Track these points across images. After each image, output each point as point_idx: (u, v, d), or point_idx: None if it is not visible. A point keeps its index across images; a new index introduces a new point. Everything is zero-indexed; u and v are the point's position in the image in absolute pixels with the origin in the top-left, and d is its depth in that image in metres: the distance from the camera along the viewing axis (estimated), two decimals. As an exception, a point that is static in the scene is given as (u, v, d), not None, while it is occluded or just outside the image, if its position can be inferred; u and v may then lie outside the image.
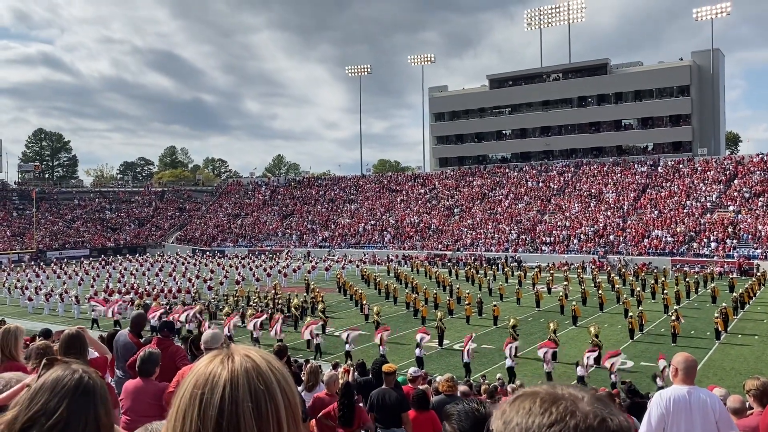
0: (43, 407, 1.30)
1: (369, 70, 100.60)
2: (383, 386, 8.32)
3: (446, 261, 61.97)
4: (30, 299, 42.75)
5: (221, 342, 5.47)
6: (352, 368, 14.46)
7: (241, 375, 1.09)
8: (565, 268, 52.69)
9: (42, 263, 68.78)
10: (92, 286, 46.49)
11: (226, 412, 1.06)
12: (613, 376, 20.42)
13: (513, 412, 1.06)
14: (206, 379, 1.10)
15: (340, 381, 9.06)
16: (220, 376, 1.10)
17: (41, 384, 1.36)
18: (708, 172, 67.69)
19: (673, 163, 71.92)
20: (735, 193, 62.60)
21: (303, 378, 9.62)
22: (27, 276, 55.65)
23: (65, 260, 72.67)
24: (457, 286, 42.01)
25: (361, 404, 8.42)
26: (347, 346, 26.22)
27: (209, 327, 27.74)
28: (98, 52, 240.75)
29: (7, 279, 54.47)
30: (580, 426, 0.99)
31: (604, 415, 1.01)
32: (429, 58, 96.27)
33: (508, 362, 22.83)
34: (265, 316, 31.20)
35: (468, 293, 37.37)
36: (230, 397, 1.07)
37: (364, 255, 67.22)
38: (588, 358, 21.88)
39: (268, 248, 77.89)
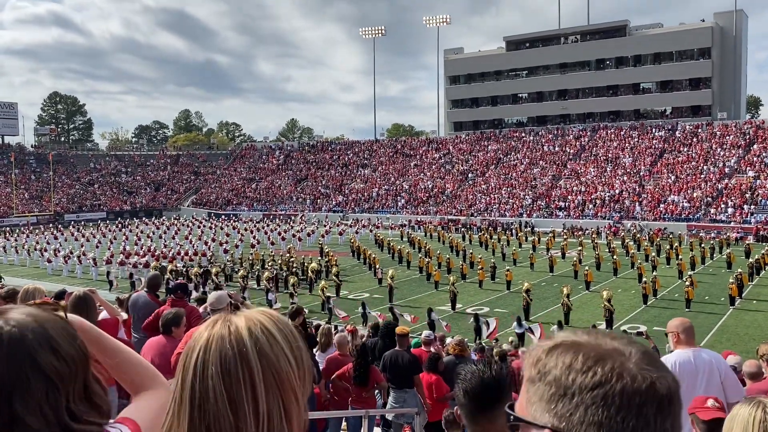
0: None
1: (384, 31, 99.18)
2: (396, 348, 8.40)
3: (460, 226, 61.94)
4: (49, 261, 43.48)
5: (227, 303, 5.55)
6: (368, 332, 14.62)
7: (216, 339, 1.08)
8: (580, 233, 52.53)
9: (60, 226, 69.68)
10: (109, 249, 47.11)
11: (199, 376, 1.07)
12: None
13: (551, 364, 0.94)
14: (192, 343, 1.11)
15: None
16: (200, 339, 1.10)
17: None
18: (727, 137, 66.60)
19: (691, 127, 70.79)
20: (754, 158, 61.67)
21: (318, 340, 9.74)
22: (45, 238, 56.48)
23: (83, 223, 73.55)
24: (471, 251, 42.05)
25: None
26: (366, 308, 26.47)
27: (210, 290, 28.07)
28: (109, 11, 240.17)
29: (26, 241, 55.32)
30: (627, 390, 0.87)
31: (653, 378, 0.89)
32: (445, 19, 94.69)
33: (520, 329, 22.98)
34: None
35: (481, 258, 37.43)
36: (202, 361, 1.07)
37: (378, 219, 67.45)
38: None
39: (283, 212, 78.25)
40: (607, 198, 62.27)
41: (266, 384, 1.07)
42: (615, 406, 0.86)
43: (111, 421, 1.36)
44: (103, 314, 7.25)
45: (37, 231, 65.60)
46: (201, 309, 7.71)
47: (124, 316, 6.96)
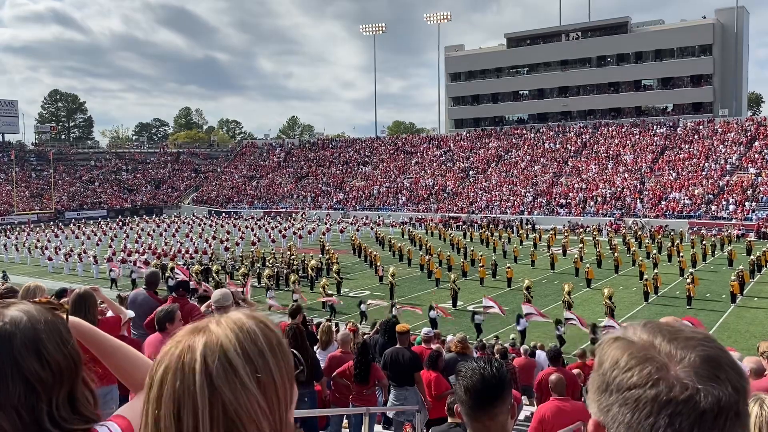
0: None
1: (384, 29, 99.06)
2: (397, 345, 8.39)
3: (461, 223, 61.93)
4: (50, 259, 43.49)
5: (231, 300, 5.53)
6: (379, 327, 14.62)
7: (171, 372, 0.99)
8: (581, 230, 52.49)
9: (60, 224, 69.72)
10: (110, 247, 47.11)
11: (153, 413, 1.01)
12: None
13: (607, 355, 0.93)
14: (152, 372, 1.03)
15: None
16: (159, 369, 1.02)
17: None
18: (728, 134, 66.50)
19: (692, 124, 70.69)
20: (755, 155, 61.58)
21: (318, 337, 9.74)
22: (46, 236, 56.51)
23: (83, 221, 73.57)
24: (472, 248, 42.03)
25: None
26: (362, 306, 26.57)
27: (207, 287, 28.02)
28: (108, 9, 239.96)
29: (27, 239, 55.35)
30: (660, 397, 0.84)
31: (697, 388, 0.84)
32: (446, 17, 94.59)
33: (520, 326, 22.98)
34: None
35: (482, 255, 37.39)
36: (156, 398, 1.00)
37: (379, 217, 67.44)
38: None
39: (283, 210, 78.24)
40: (608, 195, 62.22)
41: (211, 424, 0.96)
42: (645, 411, 0.84)
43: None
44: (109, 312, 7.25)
45: (37, 229, 65.65)
46: (203, 307, 7.71)
47: (131, 314, 6.95)
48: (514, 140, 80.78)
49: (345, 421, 8.48)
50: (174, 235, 56.20)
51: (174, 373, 0.98)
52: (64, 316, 1.28)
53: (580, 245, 41.02)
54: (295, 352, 0.95)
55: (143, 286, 8.16)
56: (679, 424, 0.82)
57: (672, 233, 48.54)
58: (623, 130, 74.61)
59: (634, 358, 0.89)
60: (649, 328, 0.94)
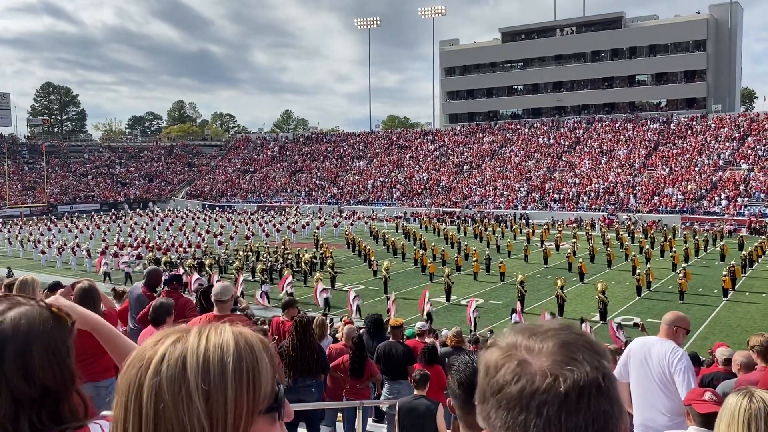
0: None
1: (379, 22, 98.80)
2: (390, 339, 8.44)
3: (455, 218, 61.99)
4: (43, 252, 43.33)
5: (231, 294, 5.54)
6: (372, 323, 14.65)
7: (125, 384, 0.93)
8: (574, 225, 52.64)
9: (53, 217, 69.41)
10: (103, 240, 46.95)
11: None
12: (620, 333, 20.58)
13: (481, 365, 0.95)
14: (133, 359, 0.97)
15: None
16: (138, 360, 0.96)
17: None
18: (721, 129, 66.75)
19: (686, 119, 70.91)
20: (748, 151, 61.85)
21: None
22: (39, 230, 56.25)
23: (76, 214, 73.26)
24: (465, 243, 42.11)
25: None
26: (357, 300, 26.61)
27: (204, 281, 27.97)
28: (101, 0, 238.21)
29: (19, 233, 55.09)
30: (525, 391, 0.85)
31: (556, 372, 0.85)
32: (440, 10, 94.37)
33: (515, 318, 23.12)
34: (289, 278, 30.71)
35: (475, 250, 37.48)
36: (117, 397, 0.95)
37: (373, 211, 67.41)
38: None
39: (277, 204, 78.11)
40: (601, 190, 62.41)
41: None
42: (517, 408, 0.85)
43: (104, 412, 1.35)
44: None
45: (30, 222, 65.33)
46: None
47: (117, 306, 6.97)
48: (508, 135, 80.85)
49: (339, 414, 8.53)
50: (167, 229, 56.04)
51: (135, 362, 0.93)
52: (70, 327, 1.24)
53: (573, 240, 41.17)
54: (280, 383, 0.98)
55: (142, 282, 8.21)
56: (547, 413, 0.83)
57: (665, 228, 48.73)
58: (617, 125, 74.80)
59: (500, 359, 0.90)
60: (515, 330, 0.95)
